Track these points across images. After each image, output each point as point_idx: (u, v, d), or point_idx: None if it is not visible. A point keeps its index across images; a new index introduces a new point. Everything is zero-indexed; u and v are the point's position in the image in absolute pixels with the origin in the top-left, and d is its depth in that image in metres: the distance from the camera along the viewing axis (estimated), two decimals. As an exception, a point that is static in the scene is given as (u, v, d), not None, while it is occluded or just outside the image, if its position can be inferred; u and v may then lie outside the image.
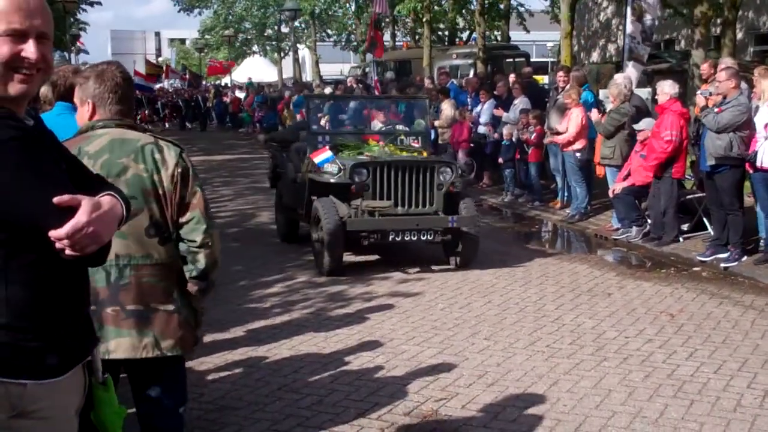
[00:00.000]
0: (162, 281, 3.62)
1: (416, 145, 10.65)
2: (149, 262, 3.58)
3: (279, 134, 11.75)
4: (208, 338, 6.87)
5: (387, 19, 32.87)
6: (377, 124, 11.32)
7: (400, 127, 11.15)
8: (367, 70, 33.44)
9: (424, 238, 9.41)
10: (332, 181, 9.53)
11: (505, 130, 14.64)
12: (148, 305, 3.59)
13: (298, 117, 25.24)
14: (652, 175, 10.57)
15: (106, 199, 2.43)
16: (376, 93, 20.77)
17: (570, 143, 12.40)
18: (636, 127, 11.09)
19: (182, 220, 3.64)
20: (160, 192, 3.57)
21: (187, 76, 44.16)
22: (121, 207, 2.51)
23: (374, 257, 10.37)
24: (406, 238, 9.34)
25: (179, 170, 3.62)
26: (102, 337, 3.34)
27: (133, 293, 3.56)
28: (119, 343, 3.53)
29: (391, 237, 9.32)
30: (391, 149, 10.14)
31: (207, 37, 53.49)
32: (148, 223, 3.55)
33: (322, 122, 11.51)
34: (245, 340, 7.12)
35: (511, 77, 17.66)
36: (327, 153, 9.64)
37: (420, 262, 10.00)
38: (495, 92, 16.54)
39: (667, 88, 10.62)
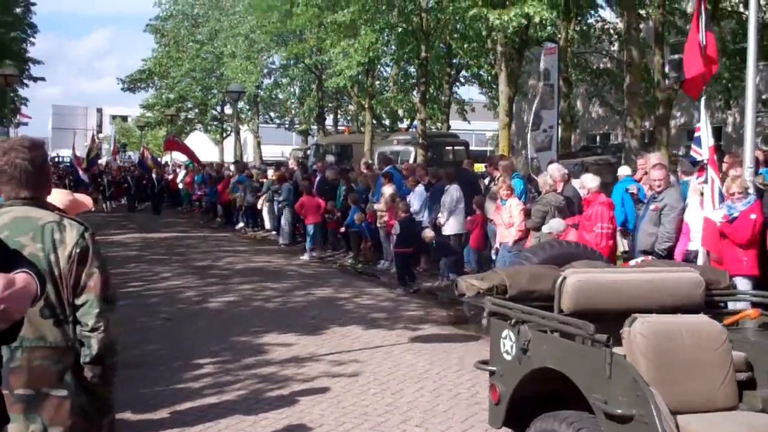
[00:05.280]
0: (56, 364, 3.48)
1: None
2: (42, 345, 3.46)
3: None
4: (131, 418, 6.66)
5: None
6: None
7: None
8: (308, 152, 33.63)
9: None
10: None
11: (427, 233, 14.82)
12: (39, 390, 3.44)
13: (238, 194, 25.23)
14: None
15: (20, 276, 2.36)
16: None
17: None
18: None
19: (78, 302, 3.54)
20: (56, 273, 3.48)
21: (146, 155, 41.48)
22: (36, 285, 2.43)
23: (307, 337, 10.24)
24: None
25: (77, 250, 3.52)
26: None
27: (24, 377, 3.42)
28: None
29: None
30: None
31: (149, 114, 53.40)
32: (42, 303, 3.41)
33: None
34: (170, 423, 6.91)
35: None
36: None
37: (357, 339, 9.91)
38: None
39: (589, 183, 10.92)
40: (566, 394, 4.34)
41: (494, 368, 4.97)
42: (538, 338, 4.57)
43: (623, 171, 12.89)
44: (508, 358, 4.80)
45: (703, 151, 9.42)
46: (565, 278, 4.70)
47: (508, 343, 4.81)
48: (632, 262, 9.16)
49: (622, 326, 4.28)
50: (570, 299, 4.62)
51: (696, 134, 9.70)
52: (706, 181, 9.24)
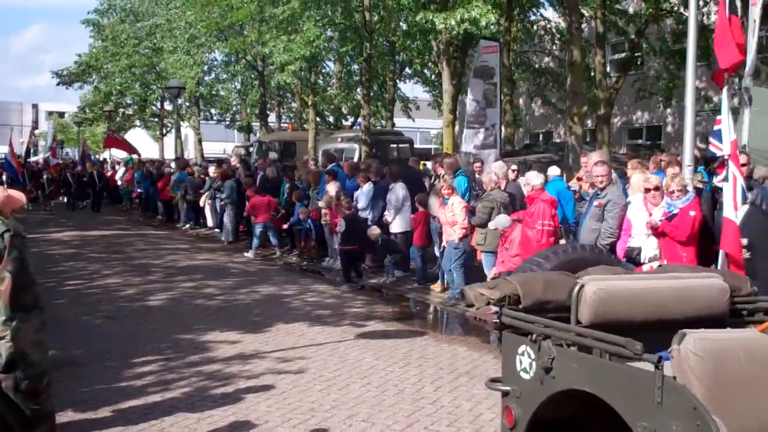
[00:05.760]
0: None
1: None
2: None
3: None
4: (73, 418, 6.54)
5: None
6: None
7: None
8: (251, 149, 33.38)
9: None
10: None
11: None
12: None
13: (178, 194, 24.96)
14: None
15: None
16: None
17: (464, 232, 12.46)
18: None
19: None
20: None
21: (80, 152, 40.11)
22: None
23: (251, 334, 10.16)
24: None
25: None
26: None
27: None
28: None
29: None
30: None
31: (87, 111, 52.39)
32: None
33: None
34: (113, 421, 6.79)
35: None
36: None
37: (302, 336, 9.87)
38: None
39: (533, 180, 11.04)
40: (593, 419, 3.87)
41: (509, 388, 4.36)
42: (565, 356, 3.94)
43: (553, 171, 13.03)
44: (527, 377, 4.21)
45: (724, 146, 8.49)
46: (583, 286, 4.21)
47: (525, 360, 4.21)
48: (645, 267, 9.03)
49: (643, 339, 3.65)
50: (589, 309, 4.13)
51: (716, 127, 8.68)
52: (726, 179, 8.49)
